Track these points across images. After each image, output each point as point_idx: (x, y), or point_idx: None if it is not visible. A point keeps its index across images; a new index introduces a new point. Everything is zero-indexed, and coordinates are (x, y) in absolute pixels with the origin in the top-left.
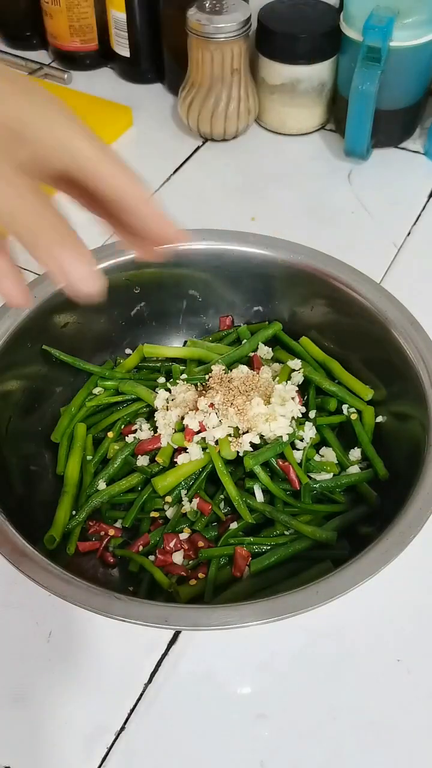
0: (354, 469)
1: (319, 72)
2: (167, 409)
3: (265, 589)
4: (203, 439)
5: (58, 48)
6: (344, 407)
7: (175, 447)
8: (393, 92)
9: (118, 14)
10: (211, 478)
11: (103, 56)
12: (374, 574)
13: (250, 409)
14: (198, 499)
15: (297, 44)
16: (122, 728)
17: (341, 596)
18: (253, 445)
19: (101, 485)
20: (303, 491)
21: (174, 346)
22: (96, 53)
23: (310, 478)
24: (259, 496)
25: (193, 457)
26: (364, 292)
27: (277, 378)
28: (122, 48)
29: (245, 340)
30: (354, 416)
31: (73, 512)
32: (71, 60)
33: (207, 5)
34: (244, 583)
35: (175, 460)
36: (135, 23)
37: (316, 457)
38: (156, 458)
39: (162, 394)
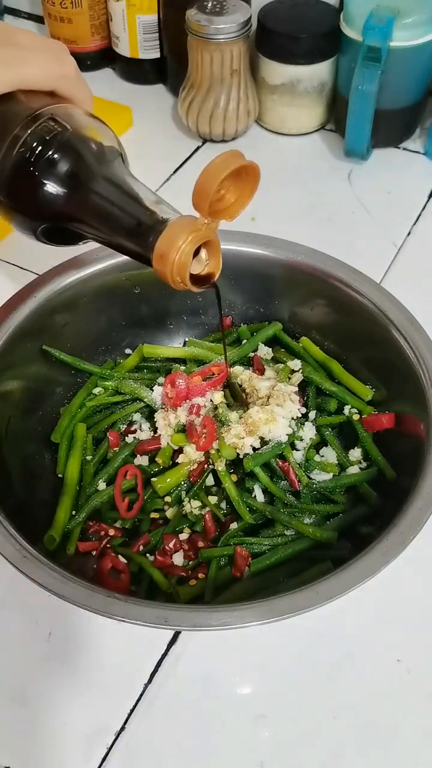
0: (354, 470)
1: (319, 72)
2: (167, 410)
3: (265, 589)
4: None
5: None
6: (345, 408)
7: (175, 447)
8: (393, 92)
9: (144, 17)
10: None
11: (103, 57)
12: (374, 574)
13: (249, 417)
14: (207, 518)
15: (297, 44)
16: (122, 728)
17: (341, 596)
18: (253, 446)
19: (101, 485)
20: (303, 491)
21: (174, 346)
22: (97, 54)
23: (310, 478)
24: (260, 496)
25: (193, 457)
26: (364, 292)
27: (278, 378)
28: (123, 48)
29: (245, 340)
30: (356, 416)
31: (73, 512)
32: None
33: (207, 6)
34: (244, 583)
35: (175, 460)
36: (136, 24)
37: (316, 458)
38: (156, 458)
39: (159, 389)
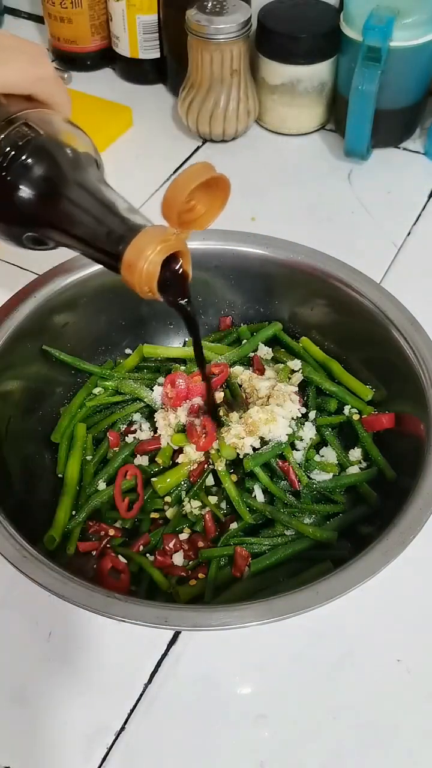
0: (354, 470)
1: (319, 72)
2: (167, 410)
3: (265, 589)
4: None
5: (62, 50)
6: (345, 408)
7: (175, 447)
8: (393, 92)
9: (143, 17)
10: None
11: (103, 57)
12: (374, 574)
13: (249, 417)
14: (207, 518)
15: (297, 44)
16: (122, 728)
17: (341, 596)
18: (252, 446)
19: (101, 485)
20: (303, 491)
21: (174, 347)
22: (97, 54)
23: (310, 478)
24: (260, 496)
25: (193, 457)
26: (364, 292)
27: (278, 378)
28: (123, 48)
29: (245, 340)
30: (356, 416)
31: (73, 512)
32: (72, 61)
33: (207, 6)
34: (244, 583)
35: (175, 460)
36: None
37: (317, 458)
38: (156, 459)
39: (159, 389)
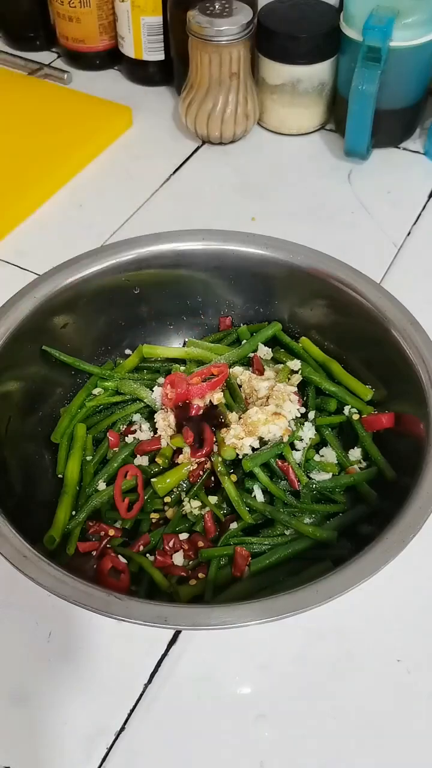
0: (354, 469)
1: (319, 72)
2: (167, 410)
3: (265, 589)
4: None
5: (70, 49)
6: (345, 408)
7: (175, 448)
8: (393, 92)
9: (148, 19)
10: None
11: (111, 57)
12: (374, 574)
13: (248, 418)
14: (207, 518)
15: (297, 44)
16: (122, 728)
17: (341, 596)
18: (252, 447)
19: (101, 485)
20: (303, 491)
21: (174, 347)
22: (105, 54)
23: (309, 478)
24: (259, 496)
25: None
26: (364, 292)
27: (277, 379)
28: (128, 49)
29: (245, 341)
30: (356, 416)
31: (73, 512)
32: (79, 60)
33: (209, 8)
34: (244, 583)
35: (175, 460)
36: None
37: (316, 458)
38: (156, 459)
39: (159, 390)
